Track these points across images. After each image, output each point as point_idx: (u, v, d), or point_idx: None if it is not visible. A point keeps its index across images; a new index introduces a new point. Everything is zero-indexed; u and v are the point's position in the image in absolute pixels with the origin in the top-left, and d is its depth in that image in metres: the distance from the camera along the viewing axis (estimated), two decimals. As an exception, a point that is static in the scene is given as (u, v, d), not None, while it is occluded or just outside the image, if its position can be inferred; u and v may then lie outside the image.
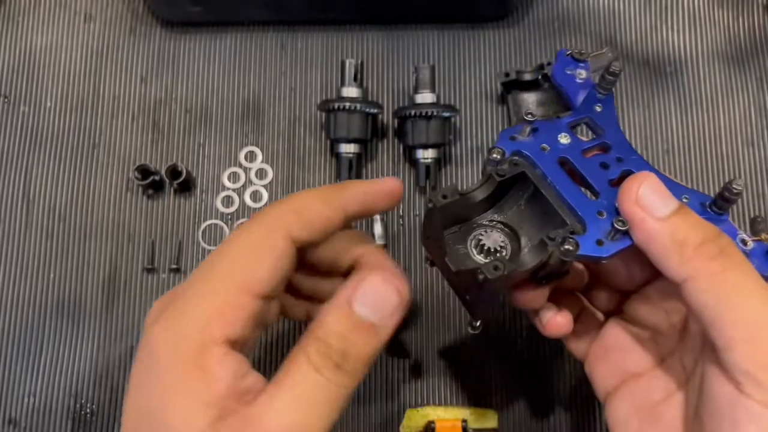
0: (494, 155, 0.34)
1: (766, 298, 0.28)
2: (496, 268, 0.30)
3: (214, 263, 0.31)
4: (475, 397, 0.48)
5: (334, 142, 0.50)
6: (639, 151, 0.51)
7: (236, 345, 0.29)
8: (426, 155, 0.49)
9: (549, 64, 0.49)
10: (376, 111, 0.49)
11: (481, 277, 0.30)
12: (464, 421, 0.45)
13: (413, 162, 0.51)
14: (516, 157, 0.34)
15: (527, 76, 0.50)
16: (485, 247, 0.34)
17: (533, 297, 0.35)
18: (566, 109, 0.38)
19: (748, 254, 0.32)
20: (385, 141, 0.52)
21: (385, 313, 0.31)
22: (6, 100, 0.54)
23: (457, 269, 0.32)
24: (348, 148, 0.49)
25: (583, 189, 0.34)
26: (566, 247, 0.31)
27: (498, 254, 0.33)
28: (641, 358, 0.36)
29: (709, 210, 0.33)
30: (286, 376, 0.29)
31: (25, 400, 0.48)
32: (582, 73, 0.39)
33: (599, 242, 0.32)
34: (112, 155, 0.52)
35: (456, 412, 0.46)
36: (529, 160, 0.34)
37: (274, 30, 0.55)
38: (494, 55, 0.54)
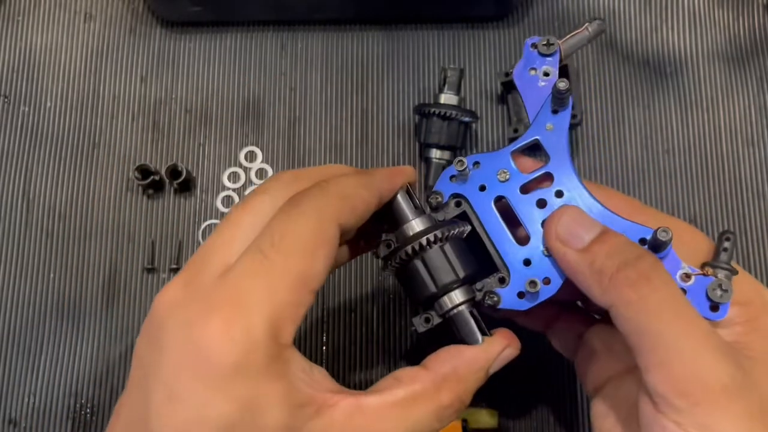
0: (431, 200, 0.34)
1: (680, 324, 0.28)
2: (427, 320, 0.34)
3: (268, 255, 0.28)
4: (475, 397, 0.48)
5: (425, 147, 0.50)
6: (638, 152, 0.52)
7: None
8: (440, 156, 0.49)
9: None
10: (470, 120, 0.49)
11: (412, 328, 0.34)
12: (464, 421, 0.45)
13: (426, 160, 0.50)
14: (457, 199, 0.34)
15: (527, 76, 0.50)
16: None
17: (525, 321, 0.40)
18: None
19: (686, 291, 0.31)
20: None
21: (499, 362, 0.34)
22: (6, 100, 0.54)
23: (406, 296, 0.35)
24: (437, 154, 0.50)
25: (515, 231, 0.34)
26: (488, 302, 0.33)
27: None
28: (619, 362, 0.36)
29: (647, 247, 0.31)
30: (409, 386, 0.31)
31: (25, 400, 0.48)
32: (548, 71, 0.35)
33: (520, 294, 0.32)
34: (112, 155, 0.52)
35: (456, 412, 0.46)
36: (468, 202, 0.34)
37: (274, 30, 0.55)
38: (494, 55, 0.54)
